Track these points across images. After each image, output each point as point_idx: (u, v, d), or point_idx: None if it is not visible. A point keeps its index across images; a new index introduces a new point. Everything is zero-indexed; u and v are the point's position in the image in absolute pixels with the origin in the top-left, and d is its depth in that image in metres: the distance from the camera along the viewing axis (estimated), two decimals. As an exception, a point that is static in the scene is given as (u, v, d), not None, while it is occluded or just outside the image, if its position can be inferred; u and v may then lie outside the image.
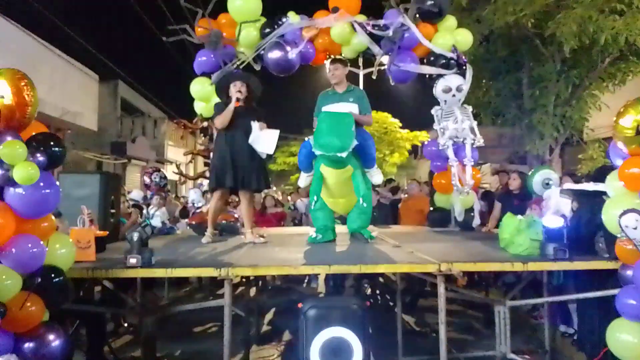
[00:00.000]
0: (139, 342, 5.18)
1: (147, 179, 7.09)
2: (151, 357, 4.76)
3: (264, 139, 4.80)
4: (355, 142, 4.34)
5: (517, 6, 8.25)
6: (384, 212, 8.01)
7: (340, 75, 5.09)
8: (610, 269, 3.64)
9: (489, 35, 9.62)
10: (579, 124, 10.57)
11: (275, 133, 4.85)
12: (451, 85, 5.96)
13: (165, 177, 7.37)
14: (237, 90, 4.91)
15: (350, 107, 4.93)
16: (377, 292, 7.13)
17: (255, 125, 4.77)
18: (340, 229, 5.29)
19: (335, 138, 4.26)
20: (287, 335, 6.06)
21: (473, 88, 6.35)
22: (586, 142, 12.37)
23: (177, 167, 7.22)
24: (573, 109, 10.00)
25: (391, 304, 6.18)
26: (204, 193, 6.99)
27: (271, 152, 4.87)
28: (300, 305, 3.40)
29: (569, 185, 4.59)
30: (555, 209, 4.00)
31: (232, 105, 4.82)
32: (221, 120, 4.85)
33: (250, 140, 4.75)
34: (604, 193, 3.97)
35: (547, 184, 5.44)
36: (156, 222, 6.44)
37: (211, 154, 5.24)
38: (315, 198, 4.83)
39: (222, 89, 5.12)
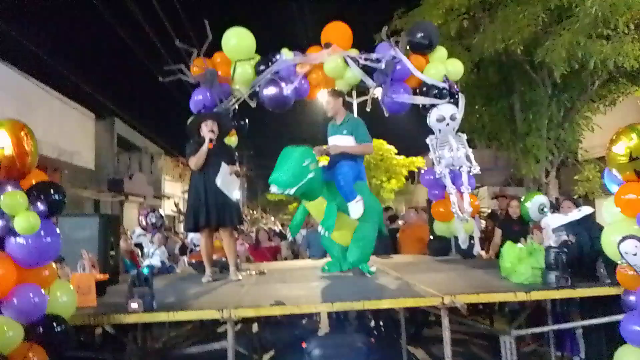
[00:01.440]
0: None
1: (142, 221, 7.04)
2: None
3: (229, 184, 4.89)
4: (309, 177, 4.25)
5: (506, 34, 8.40)
6: (384, 241, 7.97)
7: (333, 107, 5.13)
8: (614, 295, 3.64)
9: (479, 62, 9.77)
10: (573, 145, 10.68)
11: (238, 182, 5.03)
12: (445, 115, 6.03)
13: (161, 217, 7.31)
14: (209, 130, 4.97)
15: (344, 140, 4.98)
16: (381, 323, 7.06)
17: (225, 168, 4.84)
18: None
19: (280, 176, 4.20)
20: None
21: (466, 114, 6.43)
22: (581, 163, 12.46)
23: (176, 205, 7.23)
24: (566, 132, 10.12)
25: (395, 335, 6.10)
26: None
27: (234, 199, 5.00)
28: (304, 344, 3.38)
29: (557, 219, 4.64)
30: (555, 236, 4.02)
31: (206, 146, 4.88)
32: (196, 162, 4.90)
33: (216, 181, 4.78)
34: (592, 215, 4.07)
35: (542, 209, 5.49)
36: (155, 261, 6.42)
37: (186, 195, 5.30)
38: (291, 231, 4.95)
39: (193, 128, 5.17)
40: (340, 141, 5.00)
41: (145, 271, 3.66)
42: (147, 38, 14.20)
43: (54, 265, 3.14)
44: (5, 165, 2.88)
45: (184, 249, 8.36)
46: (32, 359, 2.78)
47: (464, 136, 6.21)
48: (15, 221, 2.76)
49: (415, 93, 6.22)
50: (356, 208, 4.67)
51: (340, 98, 5.20)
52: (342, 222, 4.72)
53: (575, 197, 9.69)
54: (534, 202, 5.56)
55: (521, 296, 3.67)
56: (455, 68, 6.35)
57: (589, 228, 4.34)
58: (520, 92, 10.22)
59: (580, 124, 10.41)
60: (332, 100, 5.14)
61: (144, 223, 6.81)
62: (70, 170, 14.86)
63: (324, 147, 5.06)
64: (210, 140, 4.92)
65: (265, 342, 6.54)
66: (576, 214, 4.45)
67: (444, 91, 6.10)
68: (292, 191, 4.24)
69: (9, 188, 2.86)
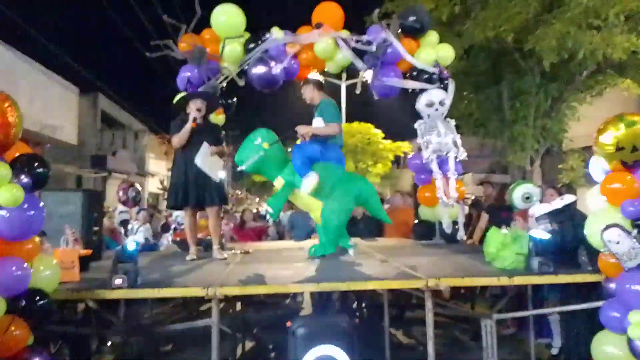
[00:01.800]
0: (123, 360, 5.09)
1: (122, 196, 6.95)
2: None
3: (210, 164, 4.86)
4: (260, 154, 4.58)
5: (497, 21, 8.41)
6: (370, 224, 8.02)
7: (307, 96, 5.12)
8: (594, 282, 3.71)
9: (469, 49, 9.77)
10: (559, 135, 10.79)
11: (220, 163, 4.99)
12: (434, 100, 6.03)
13: (139, 192, 7.16)
14: (196, 109, 4.93)
15: (317, 122, 4.95)
16: (363, 305, 7.12)
17: (205, 148, 4.80)
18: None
19: (237, 153, 4.72)
20: (273, 352, 6.00)
21: (455, 101, 6.43)
22: (565, 152, 12.63)
23: (161, 182, 7.15)
24: (552, 121, 10.21)
25: (378, 317, 6.17)
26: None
27: (217, 179, 4.97)
28: (289, 323, 3.39)
29: (541, 209, 4.72)
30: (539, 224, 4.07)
31: (189, 125, 4.85)
32: (178, 140, 4.88)
33: (196, 161, 4.74)
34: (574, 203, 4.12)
35: (527, 197, 5.55)
36: (139, 237, 6.38)
37: (170, 173, 5.26)
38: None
39: (180, 106, 5.12)
40: (315, 124, 4.97)
41: (131, 247, 3.62)
42: (134, 12, 13.93)
43: (37, 239, 3.10)
44: (-13, 136, 2.81)
45: (166, 227, 8.32)
46: (14, 332, 2.75)
47: (452, 122, 6.22)
48: (-2, 193, 2.70)
49: (405, 77, 6.20)
50: (305, 183, 4.60)
51: (310, 84, 5.11)
52: (313, 203, 4.81)
53: (559, 185, 9.79)
54: (519, 191, 5.62)
55: (504, 281, 3.72)
56: (446, 53, 6.32)
57: (572, 216, 4.41)
58: (508, 80, 10.27)
59: (567, 113, 10.52)
60: (305, 87, 5.14)
61: (123, 197, 6.73)
62: (53, 145, 14.62)
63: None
64: (194, 120, 4.87)
65: (248, 321, 6.57)
66: (559, 202, 4.51)
67: (434, 76, 6.09)
68: (244, 167, 4.65)
69: (-8, 159, 2.80)
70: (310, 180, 4.60)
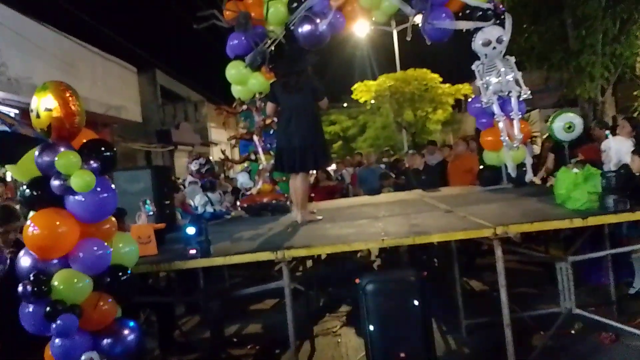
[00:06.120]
0: (207, 322, 5.40)
1: (191, 167, 7.14)
2: (220, 337, 4.97)
3: None
4: None
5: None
6: (433, 174, 7.90)
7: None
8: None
9: (526, -23, 9.14)
10: (631, 59, 9.98)
11: None
12: (490, 38, 5.73)
13: (207, 163, 7.27)
14: None
15: None
16: (432, 255, 7.10)
17: None
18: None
19: None
20: (346, 306, 6.13)
21: (514, 35, 6.04)
22: (640, 78, 11.71)
23: (223, 152, 7.30)
24: (623, 45, 9.44)
25: (448, 267, 6.14)
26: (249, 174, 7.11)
27: None
28: (357, 280, 3.44)
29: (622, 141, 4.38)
30: (617, 158, 3.82)
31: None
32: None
33: None
34: None
35: (569, 127, 5.26)
36: (209, 207, 6.61)
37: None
38: None
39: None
40: None
41: (200, 219, 3.75)
42: (179, -15, 14.04)
43: (113, 219, 3.27)
44: (55, 127, 2.96)
45: (233, 194, 8.55)
46: (102, 307, 2.96)
47: (512, 59, 5.90)
48: (72, 180, 2.85)
49: (457, 17, 5.90)
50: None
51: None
52: None
53: (635, 114, 9.13)
54: (561, 120, 5.34)
55: (577, 222, 3.55)
56: (500, -14, 5.95)
57: None
58: (571, 6, 9.54)
59: (638, 35, 9.68)
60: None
61: (192, 169, 6.91)
62: (120, 124, 15.29)
63: None
64: None
65: (319, 278, 6.73)
66: None
67: (489, 12, 5.75)
68: None
69: (62, 149, 2.94)
70: None
